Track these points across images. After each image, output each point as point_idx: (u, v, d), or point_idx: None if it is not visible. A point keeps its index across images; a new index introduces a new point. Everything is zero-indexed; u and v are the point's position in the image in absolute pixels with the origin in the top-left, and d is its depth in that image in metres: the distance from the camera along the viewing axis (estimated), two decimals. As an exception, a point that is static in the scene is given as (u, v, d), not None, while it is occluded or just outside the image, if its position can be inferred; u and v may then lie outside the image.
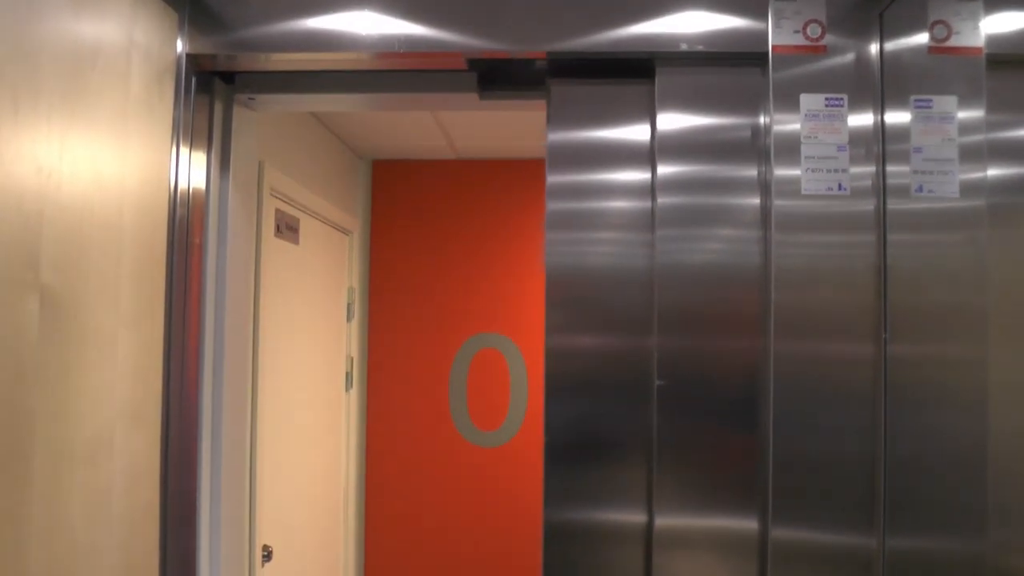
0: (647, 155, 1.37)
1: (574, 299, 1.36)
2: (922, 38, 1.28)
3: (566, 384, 1.35)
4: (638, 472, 1.34)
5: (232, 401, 1.51)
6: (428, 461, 3.17)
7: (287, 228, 2.39)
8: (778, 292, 1.27)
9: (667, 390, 1.32)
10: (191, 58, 1.37)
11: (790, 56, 1.29)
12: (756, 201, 1.33)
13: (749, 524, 1.30)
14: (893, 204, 1.27)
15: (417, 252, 3.21)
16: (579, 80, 1.39)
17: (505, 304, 3.18)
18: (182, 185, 1.36)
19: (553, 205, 1.37)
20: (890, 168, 1.27)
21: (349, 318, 3.05)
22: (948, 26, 1.27)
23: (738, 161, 1.33)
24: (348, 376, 3.03)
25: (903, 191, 1.26)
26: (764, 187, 1.32)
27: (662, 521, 1.31)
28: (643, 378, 1.34)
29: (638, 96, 1.38)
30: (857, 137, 1.28)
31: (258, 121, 1.65)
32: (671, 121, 1.35)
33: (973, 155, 1.26)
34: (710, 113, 1.34)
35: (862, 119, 1.28)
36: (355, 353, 3.10)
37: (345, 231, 3.00)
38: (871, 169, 1.28)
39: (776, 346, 1.27)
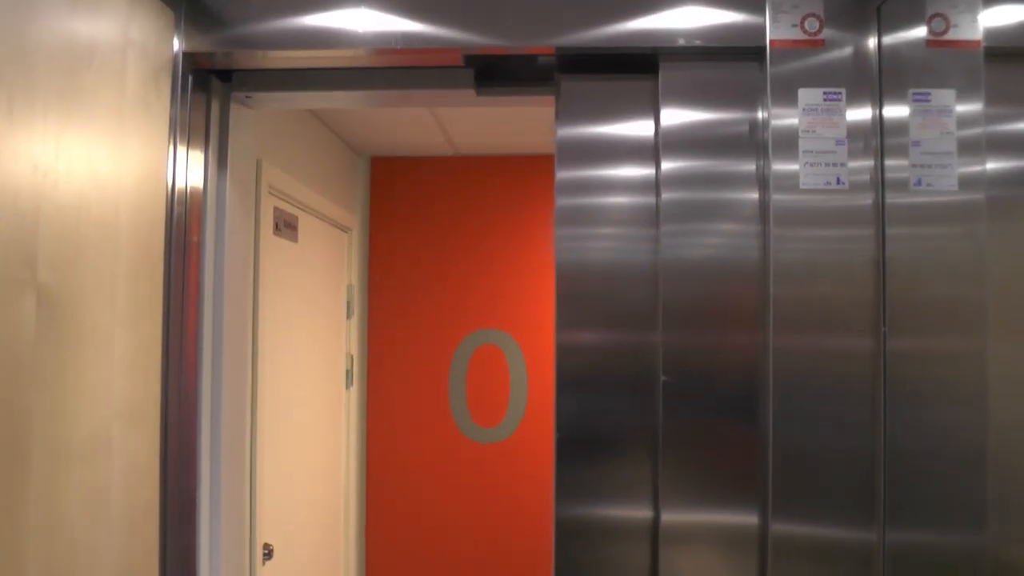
0: (652, 150, 1.37)
1: (585, 295, 1.36)
2: (920, 31, 1.27)
3: (578, 380, 1.36)
4: (644, 468, 1.34)
5: (231, 399, 1.51)
6: (428, 458, 3.17)
7: (286, 226, 2.39)
8: (777, 287, 1.27)
9: (672, 386, 1.32)
10: (187, 56, 1.36)
11: (788, 50, 1.29)
12: (755, 196, 1.33)
13: (750, 519, 1.31)
14: (892, 198, 1.26)
15: (416, 249, 3.21)
16: (587, 75, 1.39)
17: (504, 300, 3.18)
18: (179, 183, 1.36)
19: (563, 201, 1.37)
20: (888, 162, 1.27)
21: (348, 315, 3.05)
22: (946, 19, 1.27)
23: (738, 156, 1.33)
24: (348, 374, 3.03)
25: (902, 185, 1.26)
26: (762, 182, 1.32)
27: (668, 517, 1.31)
28: (648, 373, 1.35)
29: (643, 91, 1.38)
30: (855, 131, 1.28)
31: (256, 119, 1.65)
32: (674, 116, 1.35)
33: (972, 148, 1.25)
34: (711, 108, 1.34)
35: (860, 113, 1.28)
36: (355, 350, 3.10)
37: (344, 228, 3.00)
38: (869, 163, 1.27)
39: (775, 341, 1.27)
